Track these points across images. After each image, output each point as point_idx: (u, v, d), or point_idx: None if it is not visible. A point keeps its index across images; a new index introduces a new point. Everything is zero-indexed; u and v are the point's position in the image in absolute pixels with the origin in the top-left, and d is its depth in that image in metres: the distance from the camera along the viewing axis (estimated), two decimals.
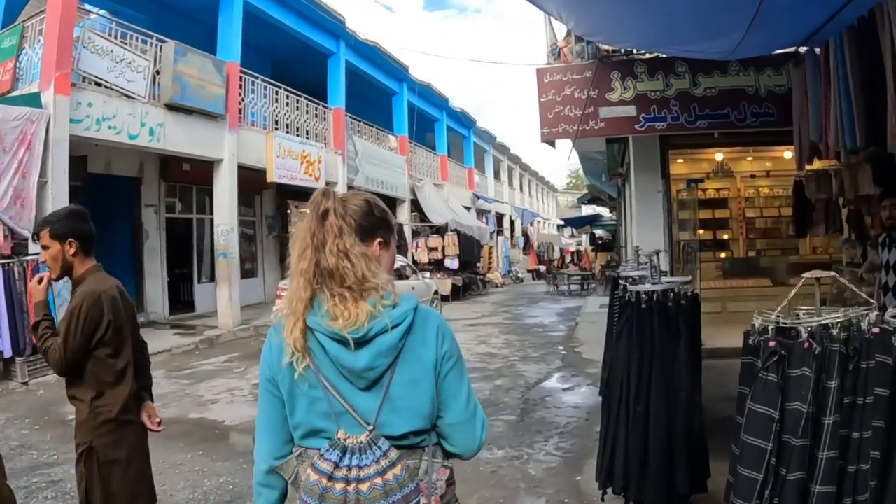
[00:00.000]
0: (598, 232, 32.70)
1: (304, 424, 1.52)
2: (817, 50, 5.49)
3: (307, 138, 14.00)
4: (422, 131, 21.65)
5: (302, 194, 17.31)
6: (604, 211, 31.73)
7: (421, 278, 13.25)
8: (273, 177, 12.48)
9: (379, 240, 1.62)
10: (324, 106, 15.02)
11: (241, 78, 12.29)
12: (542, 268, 36.88)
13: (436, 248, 18.57)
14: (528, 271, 34.02)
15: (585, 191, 44.97)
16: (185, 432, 5.57)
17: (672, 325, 3.21)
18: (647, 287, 3.34)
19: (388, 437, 1.46)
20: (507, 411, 6.05)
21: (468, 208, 25.31)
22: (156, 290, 12.86)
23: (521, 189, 39.58)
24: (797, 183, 7.42)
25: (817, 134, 5.41)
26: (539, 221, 42.06)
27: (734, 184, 9.95)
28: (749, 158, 9.68)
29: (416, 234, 19.35)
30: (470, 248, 20.59)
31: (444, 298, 17.97)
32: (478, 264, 22.96)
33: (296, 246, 1.54)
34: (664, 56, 6.72)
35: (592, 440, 4.92)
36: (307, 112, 14.36)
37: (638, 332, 3.26)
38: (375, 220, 1.63)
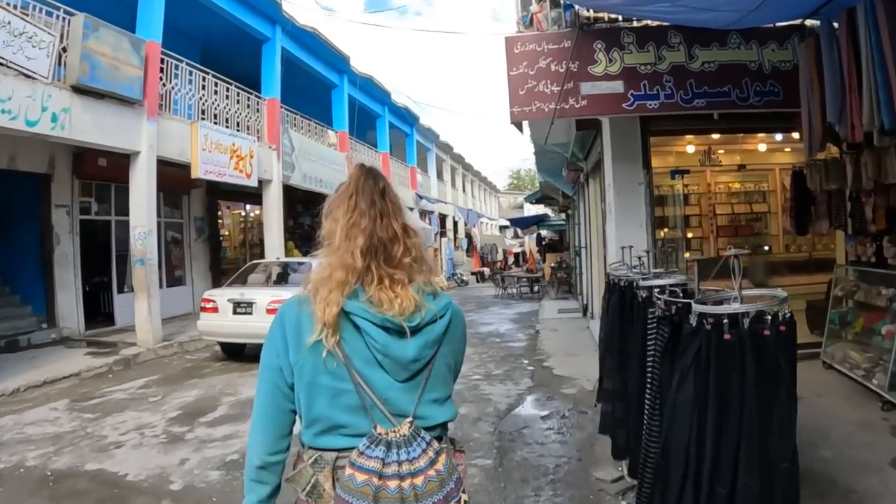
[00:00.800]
0: (544, 232, 32.21)
1: (324, 419, 1.42)
2: (835, 24, 4.75)
3: (238, 130, 12.65)
4: (363, 128, 20.47)
5: (235, 194, 15.93)
6: (550, 211, 31.16)
7: None
8: (198, 172, 11.10)
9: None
10: (257, 96, 13.67)
11: (163, 61, 10.87)
12: (486, 270, 36.25)
13: None
14: (472, 273, 33.25)
15: (535, 189, 44.70)
16: (76, 492, 4.30)
17: (770, 365, 2.18)
18: (733, 308, 2.25)
19: (427, 428, 1.43)
20: (480, 452, 4.83)
21: (411, 209, 24.24)
22: (69, 301, 11.30)
23: (464, 189, 38.78)
24: (797, 173, 6.68)
25: (836, 115, 4.61)
26: (482, 222, 41.37)
27: (706, 178, 9.24)
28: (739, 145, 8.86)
29: None
30: None
31: None
32: None
33: (342, 215, 1.47)
34: (655, 25, 5.87)
35: (594, 490, 3.95)
36: (238, 102, 13.00)
37: (718, 378, 2.24)
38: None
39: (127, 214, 10.52)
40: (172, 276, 14.19)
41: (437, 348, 1.44)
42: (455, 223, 33.93)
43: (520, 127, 7.70)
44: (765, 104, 5.88)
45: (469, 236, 35.99)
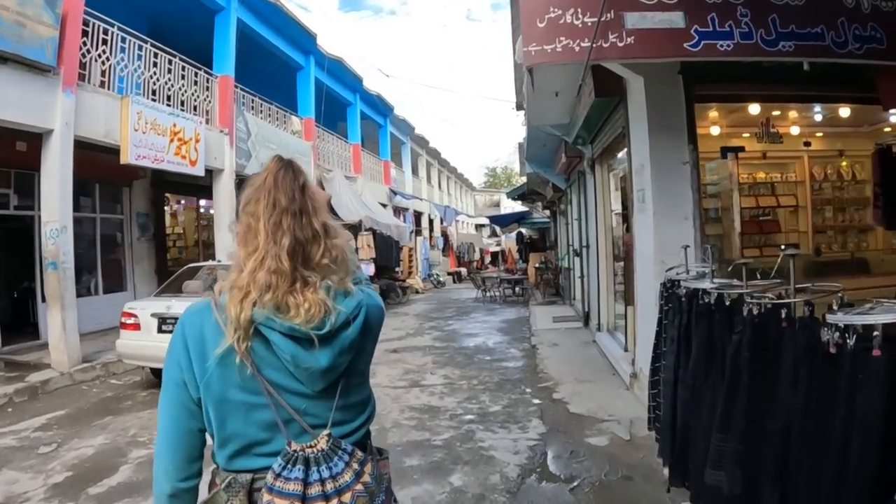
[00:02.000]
0: (524, 230, 30.68)
1: (239, 437, 1.33)
2: None
3: (182, 110, 10.81)
4: (332, 118, 18.62)
5: (186, 187, 14.04)
6: (531, 208, 29.48)
7: None
8: (128, 157, 9.24)
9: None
10: (207, 72, 11.81)
11: (89, 24, 9.02)
12: (463, 270, 34.62)
13: None
14: (449, 274, 31.59)
15: (514, 186, 43.28)
16: None
17: None
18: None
19: (348, 434, 1.38)
20: None
21: (384, 205, 22.49)
22: None
23: (440, 186, 37.01)
24: (883, 153, 5.12)
25: None
26: (459, 220, 39.70)
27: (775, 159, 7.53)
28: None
29: None
30: (388, 251, 17.77)
31: None
32: (396, 268, 20.17)
33: (262, 212, 1.35)
34: None
35: None
36: (184, 77, 11.14)
37: None
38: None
39: None
40: (111, 280, 12.29)
41: (354, 353, 1.37)
42: (431, 221, 32.22)
43: (530, 73, 6.09)
44: (866, 53, 4.29)
45: (445, 235, 34.30)
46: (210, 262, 9.13)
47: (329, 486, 1.22)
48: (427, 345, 10.44)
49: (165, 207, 14.46)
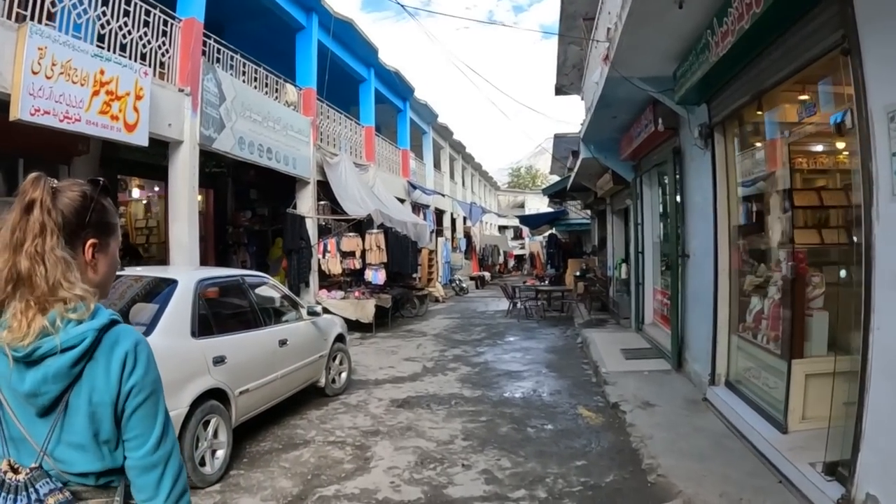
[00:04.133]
0: (556, 233, 27.52)
1: None
2: None
3: (121, 54, 7.79)
4: (342, 98, 15.55)
5: (149, 168, 11.12)
6: (543, 208, 26.11)
7: (309, 312, 6.71)
8: (19, 111, 6.23)
9: (92, 241, 1.38)
10: (165, 12, 8.75)
11: None
12: (486, 274, 31.48)
13: (352, 253, 12.50)
14: (471, 278, 28.46)
15: (542, 185, 39.94)
16: None
17: None
18: None
19: (71, 474, 1.29)
20: None
21: (402, 200, 19.40)
22: None
23: (463, 183, 33.78)
24: None
25: None
26: (484, 221, 36.55)
27: None
28: None
29: (325, 231, 13.20)
30: (403, 254, 14.59)
31: (366, 327, 12.05)
32: (414, 275, 17.07)
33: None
34: None
35: None
36: (130, 14, 8.12)
37: None
38: (92, 217, 1.38)
39: None
40: None
41: (70, 384, 1.26)
42: (453, 220, 29.08)
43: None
44: None
45: (468, 236, 31.14)
46: (136, 270, 6.11)
47: None
48: (452, 393, 7.30)
49: (121, 193, 11.49)
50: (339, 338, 7.33)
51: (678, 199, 7.78)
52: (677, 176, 7.72)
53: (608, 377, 7.37)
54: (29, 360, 1.22)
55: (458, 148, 31.03)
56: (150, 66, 8.29)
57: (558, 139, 24.13)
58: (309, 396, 6.83)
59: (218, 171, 12.88)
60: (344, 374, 7.36)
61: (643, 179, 10.44)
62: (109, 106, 7.33)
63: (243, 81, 10.68)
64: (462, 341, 11.36)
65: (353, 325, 12.19)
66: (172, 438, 1.35)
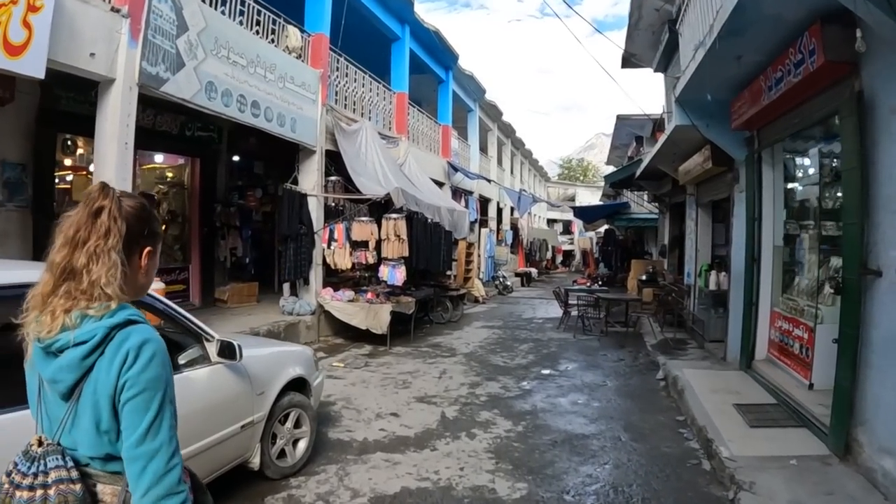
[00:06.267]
0: (615, 228, 24.38)
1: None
2: None
3: None
4: (370, 59, 12.86)
5: (88, 122, 8.55)
6: (595, 201, 22.79)
7: (221, 351, 3.60)
8: None
9: (148, 249, 1.55)
10: None
11: None
12: (533, 270, 28.50)
13: (364, 244, 9.75)
14: (517, 275, 25.55)
15: (595, 179, 36.55)
16: None
17: None
18: None
19: (83, 456, 1.42)
20: None
21: (441, 184, 16.62)
22: None
23: (512, 171, 30.71)
24: None
25: None
26: (531, 213, 33.50)
27: None
28: None
29: (332, 213, 10.42)
30: (432, 246, 11.77)
31: (379, 339, 9.37)
32: (448, 272, 14.27)
33: (58, 238, 1.44)
34: None
35: None
36: None
37: None
38: (150, 225, 1.55)
39: None
40: None
41: (83, 375, 1.39)
42: (500, 210, 26.14)
43: None
44: None
45: (515, 228, 28.17)
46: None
47: (20, 479, 1.37)
48: (477, 486, 4.47)
49: (65, 157, 8.96)
50: (296, 385, 4.53)
51: (858, 179, 4.76)
52: (857, 143, 4.71)
53: (735, 469, 4.45)
54: (50, 351, 1.40)
55: (508, 131, 28.04)
56: None
57: (621, 122, 20.92)
58: (237, 480, 4.16)
59: (205, 135, 10.31)
60: (303, 443, 4.57)
61: (762, 157, 7.41)
62: None
63: (222, 11, 8.03)
64: (502, 368, 8.54)
65: (364, 336, 9.52)
66: (163, 439, 1.37)
